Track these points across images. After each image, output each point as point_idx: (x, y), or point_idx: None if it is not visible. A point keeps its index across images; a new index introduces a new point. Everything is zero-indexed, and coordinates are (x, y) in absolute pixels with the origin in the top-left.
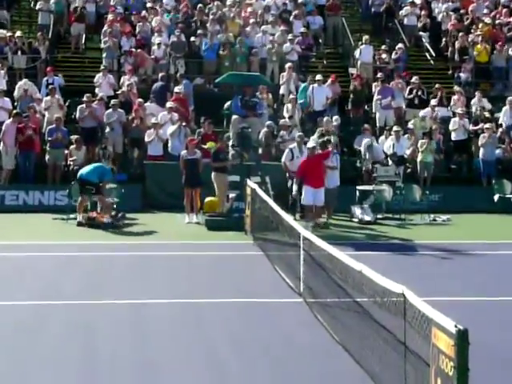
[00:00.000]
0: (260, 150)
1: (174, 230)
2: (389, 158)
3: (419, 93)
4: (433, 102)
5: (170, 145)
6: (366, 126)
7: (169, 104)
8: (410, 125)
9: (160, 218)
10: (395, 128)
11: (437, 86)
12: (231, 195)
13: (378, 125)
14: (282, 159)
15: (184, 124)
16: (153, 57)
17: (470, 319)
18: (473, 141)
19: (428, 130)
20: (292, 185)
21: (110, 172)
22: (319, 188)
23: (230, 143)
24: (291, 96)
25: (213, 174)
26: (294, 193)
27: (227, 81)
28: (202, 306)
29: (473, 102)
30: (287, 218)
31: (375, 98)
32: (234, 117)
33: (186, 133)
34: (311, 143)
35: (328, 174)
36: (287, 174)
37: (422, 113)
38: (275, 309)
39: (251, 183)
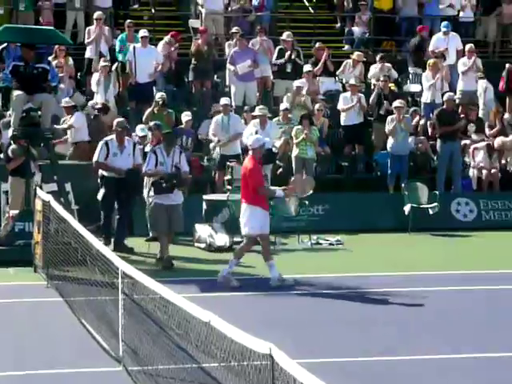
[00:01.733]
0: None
1: None
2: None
3: (293, 56)
4: (310, 68)
5: None
6: (216, 105)
7: None
8: (282, 104)
9: None
10: (259, 109)
11: (318, 45)
12: (12, 212)
13: (233, 103)
14: (95, 157)
15: None
16: None
17: None
18: (373, 126)
19: (306, 112)
20: (104, 195)
21: None
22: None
23: (10, 132)
24: (103, 62)
25: (10, 179)
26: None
27: (2, 38)
28: None
29: (372, 68)
30: (99, 245)
31: (229, 63)
32: (16, 93)
33: None
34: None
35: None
36: (99, 181)
37: (296, 85)
38: (82, 382)
39: (43, 193)
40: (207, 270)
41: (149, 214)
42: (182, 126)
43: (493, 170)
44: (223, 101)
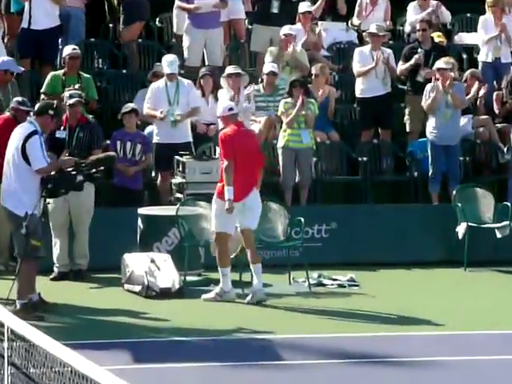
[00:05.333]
0: None
1: None
2: None
3: None
4: (308, 7)
5: None
6: (158, 65)
7: None
8: (265, 64)
9: None
10: (233, 68)
11: None
12: None
13: (186, 63)
14: None
15: None
16: None
17: None
18: (407, 100)
19: (300, 76)
20: None
21: None
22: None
23: None
24: None
25: None
26: None
27: None
28: None
29: (411, 8)
30: None
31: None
32: None
33: None
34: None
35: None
36: None
37: (286, 32)
38: None
39: None
40: (143, 327)
41: (28, 232)
42: (129, 130)
43: None
44: (165, 61)
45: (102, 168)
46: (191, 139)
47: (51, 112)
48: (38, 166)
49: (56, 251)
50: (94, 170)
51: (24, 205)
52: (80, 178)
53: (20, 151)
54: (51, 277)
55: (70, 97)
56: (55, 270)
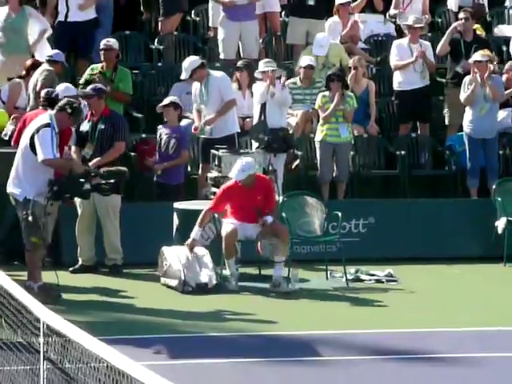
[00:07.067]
0: None
1: None
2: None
3: None
4: None
5: None
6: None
7: None
8: (301, 57)
9: None
10: (265, 63)
11: None
12: None
13: (221, 55)
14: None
15: None
16: None
17: None
18: (446, 93)
19: (338, 70)
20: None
21: None
22: None
23: None
24: None
25: None
26: None
27: None
28: None
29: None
30: (8, 283)
31: None
32: None
33: None
34: None
35: None
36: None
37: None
38: None
39: None
40: (179, 323)
41: (34, 219)
42: (170, 123)
43: None
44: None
45: (112, 181)
46: (234, 130)
47: (69, 110)
48: (44, 156)
49: (80, 244)
50: (103, 182)
51: (25, 190)
52: (87, 186)
53: (29, 140)
54: (71, 269)
55: (92, 89)
56: (79, 262)
